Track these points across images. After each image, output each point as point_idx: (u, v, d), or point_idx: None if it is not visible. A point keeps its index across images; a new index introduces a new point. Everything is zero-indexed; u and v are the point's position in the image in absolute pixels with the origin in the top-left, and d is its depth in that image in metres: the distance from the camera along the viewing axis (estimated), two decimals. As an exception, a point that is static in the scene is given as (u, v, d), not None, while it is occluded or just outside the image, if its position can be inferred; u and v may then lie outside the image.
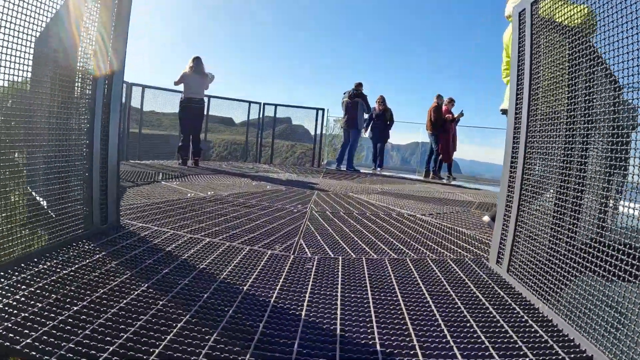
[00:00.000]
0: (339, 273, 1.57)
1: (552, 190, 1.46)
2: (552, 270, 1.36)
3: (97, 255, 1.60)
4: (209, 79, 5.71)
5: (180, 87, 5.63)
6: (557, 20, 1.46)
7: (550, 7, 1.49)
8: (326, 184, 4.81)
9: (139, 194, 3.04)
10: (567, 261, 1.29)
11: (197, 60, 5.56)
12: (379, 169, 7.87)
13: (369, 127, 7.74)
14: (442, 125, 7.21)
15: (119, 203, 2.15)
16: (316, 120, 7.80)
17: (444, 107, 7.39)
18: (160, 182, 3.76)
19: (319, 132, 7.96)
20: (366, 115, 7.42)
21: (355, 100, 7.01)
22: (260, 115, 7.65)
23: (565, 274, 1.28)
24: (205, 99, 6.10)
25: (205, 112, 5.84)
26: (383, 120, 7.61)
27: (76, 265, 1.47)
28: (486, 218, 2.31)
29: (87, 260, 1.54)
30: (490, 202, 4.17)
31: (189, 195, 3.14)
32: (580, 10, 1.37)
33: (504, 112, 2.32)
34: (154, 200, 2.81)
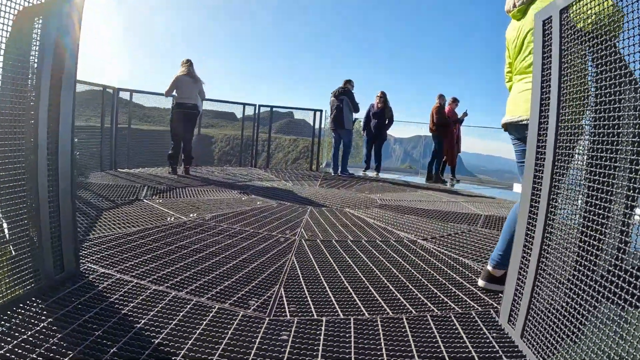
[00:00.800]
0: (320, 348, 1.31)
1: (590, 230, 1.17)
2: (586, 341, 1.09)
3: (41, 325, 1.35)
4: (201, 83, 5.42)
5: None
6: (593, 30, 1.17)
7: (584, 14, 1.20)
8: (322, 195, 4.54)
9: (114, 219, 2.78)
10: (610, 334, 1.01)
11: (188, 63, 5.28)
12: (375, 172, 7.58)
13: (366, 125, 7.33)
14: (446, 127, 6.90)
15: (78, 243, 1.89)
16: (313, 121, 7.50)
17: (447, 107, 7.08)
18: (142, 200, 3.51)
19: (317, 134, 7.65)
20: (356, 115, 6.98)
21: (341, 98, 6.57)
22: (256, 118, 7.35)
23: (605, 352, 1.02)
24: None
25: (197, 118, 5.52)
26: (381, 119, 7.23)
27: (12, 344, 1.22)
28: (481, 282, 1.98)
29: (27, 334, 1.29)
30: (496, 216, 3.89)
31: (168, 219, 2.88)
32: (614, 14, 1.10)
33: (508, 127, 1.98)
34: (127, 229, 2.55)
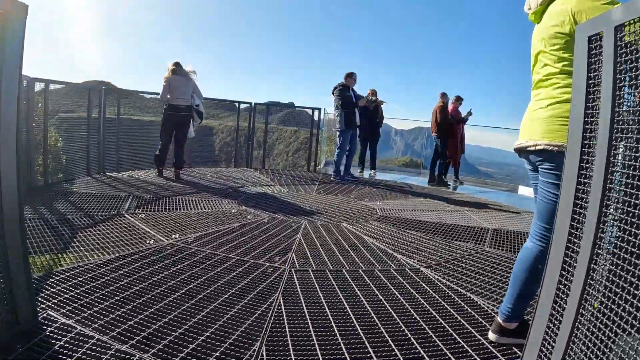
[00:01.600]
0: None
1: None
2: None
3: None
4: (194, 81, 5.08)
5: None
6: None
7: None
8: (318, 204, 4.29)
9: (89, 242, 2.55)
10: None
11: (177, 64, 4.97)
12: (372, 170, 7.37)
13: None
14: (449, 127, 6.61)
15: (33, 290, 1.64)
16: (312, 120, 7.20)
17: (450, 106, 6.78)
18: (124, 215, 3.26)
19: (315, 134, 7.35)
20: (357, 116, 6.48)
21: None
22: (252, 116, 7.05)
23: None
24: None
25: (192, 120, 5.18)
26: (375, 117, 6.92)
27: None
28: (492, 336, 1.72)
29: None
30: (503, 229, 3.65)
31: (148, 242, 2.64)
32: None
33: (520, 153, 1.68)
34: (100, 256, 2.31)
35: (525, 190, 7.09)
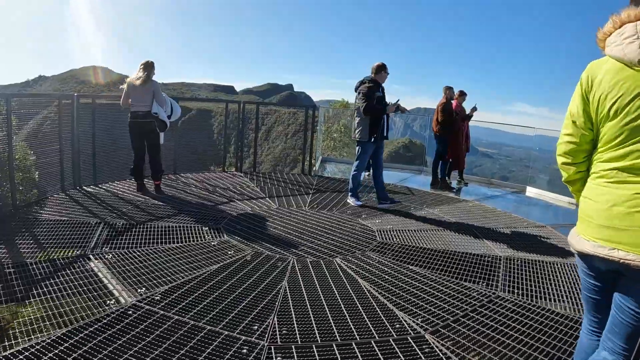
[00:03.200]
0: None
1: None
2: None
3: None
4: (155, 87, 4.50)
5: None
6: None
7: None
8: (311, 226, 3.90)
9: (40, 303, 2.17)
10: None
11: (143, 66, 4.46)
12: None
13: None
14: (452, 125, 6.15)
15: None
16: (305, 121, 6.72)
17: (453, 102, 6.29)
18: (88, 257, 2.88)
19: (310, 134, 6.88)
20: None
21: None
22: (241, 116, 6.56)
23: None
24: (171, 109, 4.89)
25: (156, 128, 4.60)
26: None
27: None
28: None
29: None
30: (518, 258, 3.29)
31: (108, 303, 2.27)
32: None
33: (605, 263, 1.15)
34: (46, 334, 1.94)
35: (532, 192, 6.70)
